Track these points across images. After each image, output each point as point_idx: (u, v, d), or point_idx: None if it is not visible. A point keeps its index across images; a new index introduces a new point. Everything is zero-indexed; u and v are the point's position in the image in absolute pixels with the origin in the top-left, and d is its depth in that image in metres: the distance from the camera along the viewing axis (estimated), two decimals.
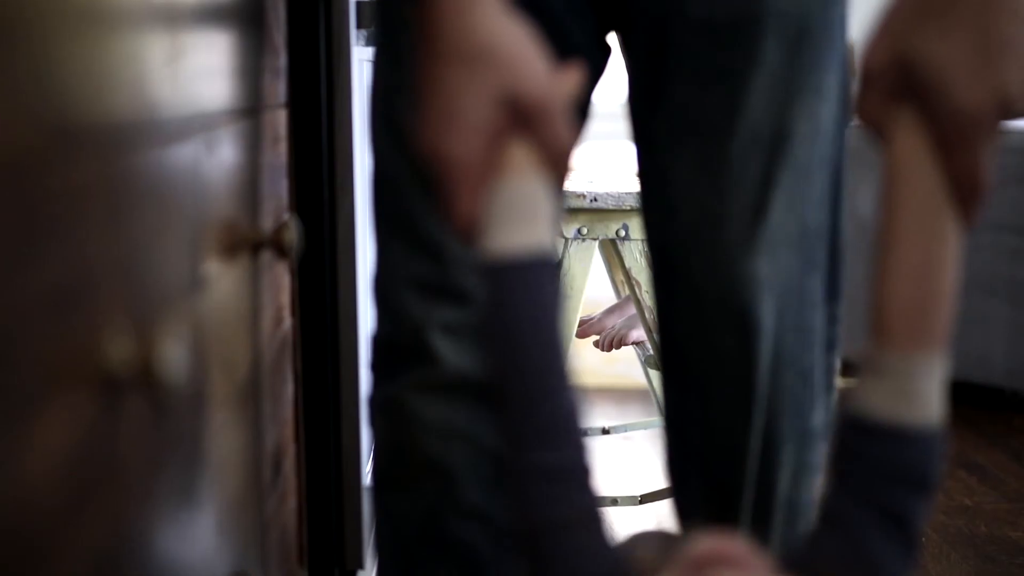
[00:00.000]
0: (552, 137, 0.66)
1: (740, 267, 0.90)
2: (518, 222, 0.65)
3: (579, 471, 0.65)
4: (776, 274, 0.91)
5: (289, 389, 1.04)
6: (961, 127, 0.64)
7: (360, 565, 1.18)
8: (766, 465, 0.94)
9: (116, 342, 0.48)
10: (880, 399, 0.63)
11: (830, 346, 0.97)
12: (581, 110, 0.97)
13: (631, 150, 0.98)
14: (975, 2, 0.63)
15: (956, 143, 0.64)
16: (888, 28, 0.66)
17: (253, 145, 0.86)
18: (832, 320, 0.96)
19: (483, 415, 0.92)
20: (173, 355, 0.49)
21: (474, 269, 0.68)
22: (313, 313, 1.14)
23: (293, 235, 0.85)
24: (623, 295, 1.87)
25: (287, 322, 1.03)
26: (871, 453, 0.64)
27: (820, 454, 0.97)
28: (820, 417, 0.96)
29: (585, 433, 0.67)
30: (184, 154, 0.63)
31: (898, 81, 0.66)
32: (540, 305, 0.66)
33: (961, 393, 2.46)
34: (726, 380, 0.93)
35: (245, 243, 0.81)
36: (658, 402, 1.53)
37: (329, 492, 1.16)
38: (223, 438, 0.73)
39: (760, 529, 0.97)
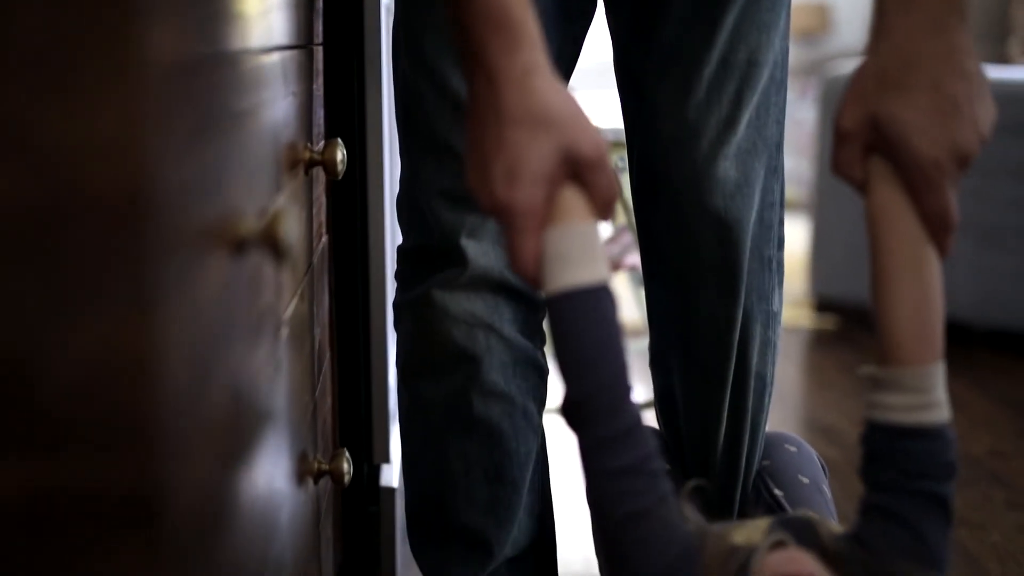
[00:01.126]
0: (602, 186, 0.77)
1: (714, 170, 1.06)
2: (579, 260, 0.76)
3: (652, 462, 0.76)
4: (743, 177, 1.07)
5: (326, 298, 1.16)
6: (926, 175, 0.76)
7: (386, 459, 1.31)
8: (742, 341, 1.10)
9: (245, 217, 0.61)
10: (906, 410, 0.76)
11: (779, 244, 1.13)
12: (570, 58, 1.10)
13: (617, 95, 1.12)
14: (928, 73, 0.76)
15: (924, 188, 0.77)
16: (856, 94, 0.78)
17: (307, 76, 0.97)
18: (780, 223, 1.13)
19: (500, 307, 1.05)
20: (288, 225, 0.61)
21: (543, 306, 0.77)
22: (346, 229, 1.26)
23: (340, 155, 0.97)
24: (619, 224, 2.00)
25: (324, 237, 1.15)
26: (907, 452, 0.76)
27: (778, 334, 1.14)
28: (777, 302, 1.13)
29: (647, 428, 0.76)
30: (269, 78, 0.75)
31: (870, 138, 0.78)
32: (604, 325, 0.76)
33: None
34: (706, 268, 1.09)
35: (301, 161, 0.93)
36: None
37: (359, 394, 1.29)
38: (292, 326, 0.85)
39: (738, 400, 1.12)
